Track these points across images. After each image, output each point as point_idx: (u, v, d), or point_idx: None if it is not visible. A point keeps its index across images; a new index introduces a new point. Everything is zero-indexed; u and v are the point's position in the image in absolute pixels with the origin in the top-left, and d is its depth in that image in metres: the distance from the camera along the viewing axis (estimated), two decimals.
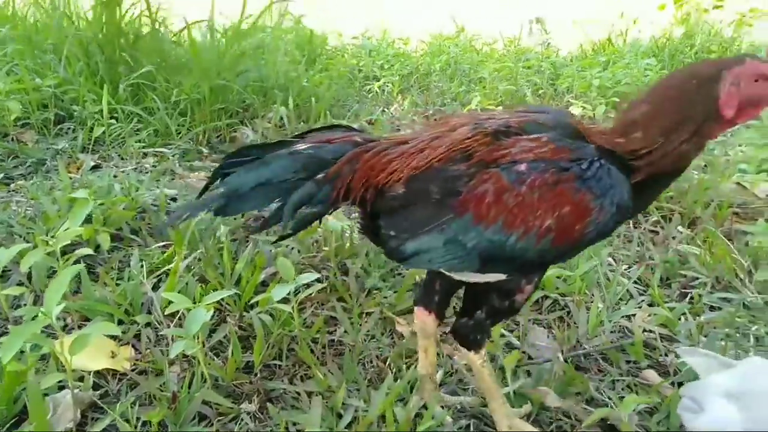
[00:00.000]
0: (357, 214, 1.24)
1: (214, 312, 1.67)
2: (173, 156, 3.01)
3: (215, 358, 1.52)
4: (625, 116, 1.13)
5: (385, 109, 4.27)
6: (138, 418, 1.26)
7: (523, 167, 1.07)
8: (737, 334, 1.67)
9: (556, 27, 6.72)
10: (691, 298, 1.90)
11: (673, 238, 2.35)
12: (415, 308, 1.37)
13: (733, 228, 2.36)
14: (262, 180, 1.15)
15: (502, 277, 1.16)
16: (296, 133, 1.28)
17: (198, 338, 1.34)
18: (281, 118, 3.44)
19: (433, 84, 4.62)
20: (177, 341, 1.27)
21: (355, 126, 1.34)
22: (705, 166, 3.07)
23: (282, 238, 1.24)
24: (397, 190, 1.13)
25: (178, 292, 1.56)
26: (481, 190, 1.08)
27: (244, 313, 1.65)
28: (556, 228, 1.07)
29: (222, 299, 1.62)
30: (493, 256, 1.10)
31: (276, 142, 1.23)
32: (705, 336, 1.69)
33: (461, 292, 1.30)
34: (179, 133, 3.23)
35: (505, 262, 1.12)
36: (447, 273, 1.19)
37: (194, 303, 1.37)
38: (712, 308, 1.87)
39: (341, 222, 1.96)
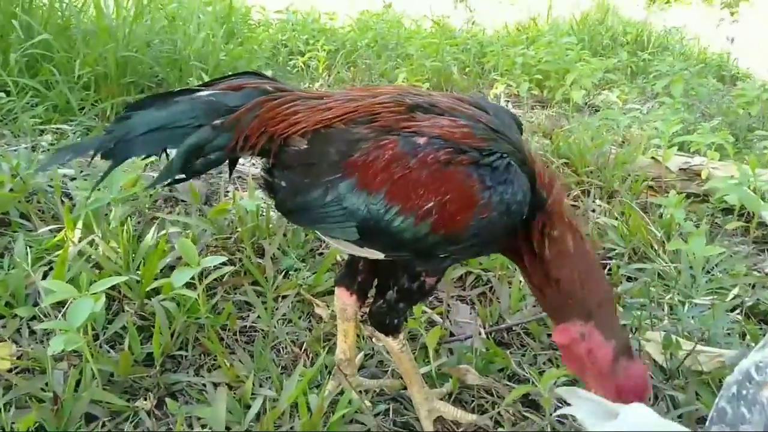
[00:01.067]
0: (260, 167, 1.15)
1: (112, 301, 1.52)
2: (74, 133, 2.75)
3: (111, 351, 1.38)
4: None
5: (311, 85, 4.13)
6: (13, 423, 1.11)
7: (422, 140, 0.99)
8: (652, 304, 1.70)
9: (482, 5, 6.75)
10: (610, 269, 1.93)
11: (593, 211, 2.38)
12: (336, 288, 1.28)
13: (648, 201, 2.42)
14: (155, 124, 1.05)
15: (379, 256, 1.09)
16: (206, 81, 1.19)
17: (86, 330, 1.20)
18: None
19: (359, 60, 4.51)
20: (58, 335, 1.12)
21: (269, 74, 1.23)
22: (623, 142, 3.15)
23: (173, 182, 1.12)
24: (300, 145, 1.06)
25: (70, 281, 1.41)
26: (372, 155, 1.00)
27: (147, 301, 1.51)
28: (436, 212, 0.98)
29: (119, 286, 1.48)
30: (371, 229, 1.02)
31: (181, 90, 1.13)
32: (623, 307, 1.71)
33: None
34: (82, 108, 2.97)
35: (384, 238, 1.03)
36: (323, 237, 1.13)
37: (83, 292, 1.22)
38: (629, 279, 1.90)
39: (256, 201, 1.84)
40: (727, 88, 4.61)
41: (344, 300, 1.25)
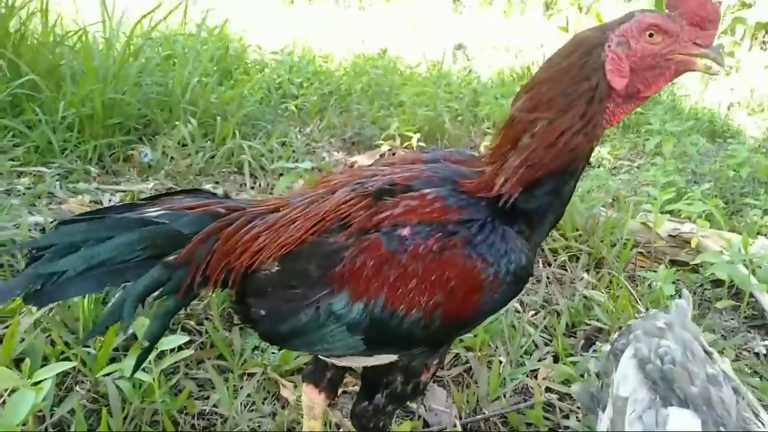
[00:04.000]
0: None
1: (65, 376, 1.43)
2: (53, 176, 2.69)
3: None
4: (507, 119, 0.96)
5: (302, 130, 4.10)
6: None
7: (406, 231, 0.92)
8: None
9: (477, 52, 6.82)
10: (594, 349, 1.85)
11: (580, 279, 2.32)
12: (304, 385, 1.20)
13: (637, 272, 2.36)
14: (94, 261, 0.92)
15: (393, 358, 1.01)
16: (149, 196, 1.07)
17: (26, 424, 1.11)
18: (184, 137, 3.18)
19: (353, 105, 4.49)
20: None
21: (218, 193, 1.13)
22: (612, 202, 3.11)
23: (148, 350, 1.01)
24: (271, 268, 0.96)
25: (19, 357, 1.32)
26: (358, 262, 0.92)
27: (102, 378, 1.42)
28: (445, 302, 0.91)
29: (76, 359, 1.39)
30: (379, 336, 0.94)
31: (123, 205, 1.02)
32: None
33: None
34: (64, 150, 2.91)
35: (395, 341, 0.96)
36: (327, 359, 1.03)
37: (28, 377, 1.13)
38: None
39: None
40: (717, 146, 4.61)
41: (312, 397, 1.17)
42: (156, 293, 0.96)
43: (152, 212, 0.98)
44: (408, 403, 1.20)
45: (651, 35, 0.86)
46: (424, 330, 0.94)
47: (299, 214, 0.98)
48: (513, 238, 0.94)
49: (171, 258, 0.95)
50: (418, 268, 0.91)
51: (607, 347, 1.12)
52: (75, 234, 0.94)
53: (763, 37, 9.16)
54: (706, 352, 1.06)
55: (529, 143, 0.92)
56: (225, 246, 0.96)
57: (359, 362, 1.04)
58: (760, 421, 0.93)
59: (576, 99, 0.88)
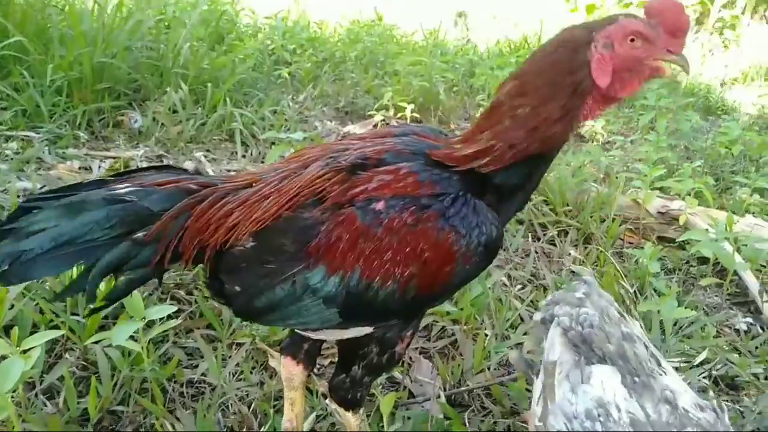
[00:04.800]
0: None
1: (54, 343, 1.45)
2: (41, 141, 2.66)
3: (48, 403, 1.30)
4: (491, 102, 1.01)
5: (294, 98, 4.06)
6: None
7: (380, 205, 0.93)
8: None
9: (475, 22, 6.71)
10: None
11: (568, 255, 2.35)
12: (282, 358, 1.22)
13: (625, 248, 2.39)
14: (62, 238, 0.91)
15: (368, 330, 1.03)
16: (119, 171, 1.05)
17: (16, 391, 1.13)
18: (174, 104, 3.14)
19: (346, 74, 4.44)
20: None
21: (189, 168, 1.13)
22: (604, 178, 3.12)
23: (93, 311, 1.02)
24: (245, 244, 0.96)
25: (8, 326, 1.33)
26: (334, 236, 0.93)
27: (92, 346, 1.43)
28: (419, 274, 0.94)
29: (64, 328, 1.41)
30: (354, 309, 0.96)
31: (92, 182, 1.00)
32: None
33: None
34: (53, 114, 2.87)
35: (370, 313, 0.98)
36: (303, 333, 1.05)
37: (17, 345, 1.14)
38: None
39: None
40: (711, 123, 4.61)
41: (291, 369, 1.19)
42: (124, 268, 0.96)
43: (121, 189, 0.97)
44: (384, 373, 1.23)
45: (632, 40, 0.92)
46: (399, 301, 0.96)
47: (272, 190, 0.98)
48: (484, 210, 0.97)
49: (140, 234, 0.95)
50: (393, 241, 0.93)
51: (537, 317, 1.25)
52: (42, 212, 0.94)
53: (765, 11, 9.06)
54: (621, 315, 1.21)
55: (510, 125, 0.95)
56: (197, 223, 0.97)
57: (335, 335, 1.05)
58: (662, 369, 1.07)
59: (561, 90, 0.93)
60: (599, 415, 0.95)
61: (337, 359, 1.15)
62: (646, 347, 1.14)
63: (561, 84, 0.92)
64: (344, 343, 1.10)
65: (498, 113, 0.97)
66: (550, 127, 0.93)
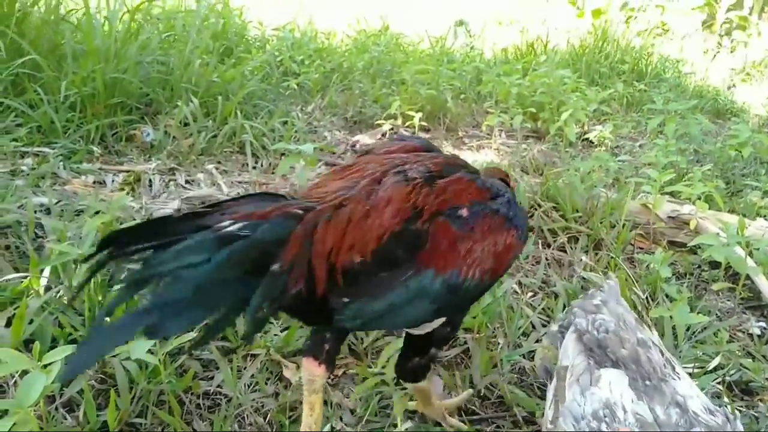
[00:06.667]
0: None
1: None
2: (56, 157, 2.71)
3: (68, 417, 1.33)
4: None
5: (303, 108, 4.09)
6: None
7: (464, 212, 1.14)
8: None
9: (480, 26, 6.72)
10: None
11: (579, 261, 2.35)
12: (303, 359, 1.23)
13: (635, 254, 2.39)
14: (202, 281, 0.89)
15: (443, 320, 1.20)
16: (207, 204, 1.04)
17: (37, 404, 1.15)
18: (186, 117, 3.18)
19: (354, 83, 4.47)
20: (8, 415, 1.07)
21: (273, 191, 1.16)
22: (613, 183, 3.12)
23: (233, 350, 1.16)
24: (360, 259, 1.05)
25: (28, 340, 1.36)
26: (436, 242, 1.10)
27: (110, 359, 1.46)
28: (495, 264, 1.17)
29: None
30: (450, 302, 1.13)
31: (183, 216, 0.98)
32: None
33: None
34: (67, 130, 2.92)
35: (460, 304, 1.20)
36: (407, 331, 1.22)
37: (38, 359, 1.17)
38: None
39: None
40: (720, 126, 4.59)
41: (312, 371, 1.20)
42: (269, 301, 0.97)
43: (227, 226, 0.95)
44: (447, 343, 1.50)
45: None
46: (477, 289, 1.17)
47: (367, 207, 1.07)
48: (521, 208, 1.25)
49: (275, 266, 0.96)
50: (479, 242, 1.14)
51: (555, 327, 1.30)
52: (163, 262, 0.90)
53: None
54: (638, 321, 1.25)
55: None
56: (321, 247, 1.02)
57: (426, 328, 1.20)
58: (676, 374, 1.10)
59: None
60: (605, 416, 0.99)
61: (405, 349, 1.31)
62: (662, 353, 1.18)
63: None
64: (415, 336, 1.25)
65: None
66: None
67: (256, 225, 0.96)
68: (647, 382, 1.03)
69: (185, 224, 0.95)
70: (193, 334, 1.34)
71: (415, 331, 1.21)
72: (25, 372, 1.16)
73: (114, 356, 1.40)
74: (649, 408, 0.98)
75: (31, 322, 1.45)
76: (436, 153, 1.27)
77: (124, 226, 0.97)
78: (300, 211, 1.03)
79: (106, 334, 0.88)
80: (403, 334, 1.32)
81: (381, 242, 1.05)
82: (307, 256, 1.00)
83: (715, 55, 6.77)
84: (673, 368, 1.13)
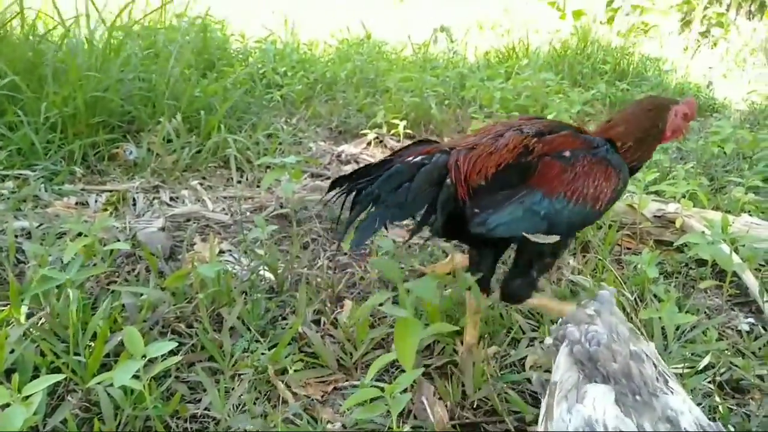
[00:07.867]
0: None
1: (57, 385, 1.45)
2: (37, 179, 2.67)
3: None
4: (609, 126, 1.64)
5: (288, 120, 4.08)
6: None
7: (567, 153, 1.49)
8: None
9: (462, 32, 6.75)
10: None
11: (567, 264, 2.35)
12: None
13: (623, 254, 2.39)
14: (412, 188, 1.38)
15: (557, 238, 1.46)
16: (394, 151, 1.55)
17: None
18: (169, 133, 3.16)
19: (338, 93, 4.47)
20: None
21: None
22: None
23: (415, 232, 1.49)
24: (480, 181, 1.45)
25: (10, 368, 1.33)
26: (543, 172, 1.46)
27: (94, 386, 1.43)
28: (595, 194, 1.48)
29: (66, 370, 1.41)
30: (555, 220, 1.46)
31: (377, 162, 1.47)
32: None
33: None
34: (48, 151, 2.89)
35: (561, 225, 1.48)
36: (524, 235, 1.46)
37: (18, 391, 1.15)
38: None
39: (216, 266, 1.77)
40: (702, 122, 4.63)
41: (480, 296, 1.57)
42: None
43: (413, 159, 1.45)
44: (546, 273, 1.75)
45: (685, 115, 1.64)
46: (581, 215, 1.49)
47: (492, 149, 1.48)
48: (620, 157, 1.57)
49: (448, 180, 1.43)
50: (580, 174, 1.47)
51: (549, 339, 1.28)
52: (382, 184, 1.39)
53: (749, 6, 9.14)
54: (633, 333, 1.23)
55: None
56: (469, 168, 1.45)
57: (540, 239, 1.46)
58: (669, 389, 1.09)
59: (650, 135, 1.63)
60: None
61: (512, 270, 1.60)
62: (656, 366, 1.16)
63: (651, 130, 1.62)
64: (526, 254, 1.57)
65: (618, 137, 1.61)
66: (643, 155, 1.64)
67: (430, 157, 1.46)
68: (637, 397, 1.02)
69: (383, 165, 1.44)
70: (179, 358, 1.32)
71: (533, 238, 1.46)
72: (6, 406, 1.13)
73: (98, 384, 1.37)
74: (636, 424, 0.96)
75: (12, 351, 1.42)
76: (553, 121, 1.66)
77: (342, 174, 1.51)
78: (448, 149, 1.50)
79: (365, 225, 1.37)
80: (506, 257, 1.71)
81: (498, 169, 1.45)
82: (461, 175, 1.44)
83: (694, 53, 6.85)
84: (667, 382, 1.12)
